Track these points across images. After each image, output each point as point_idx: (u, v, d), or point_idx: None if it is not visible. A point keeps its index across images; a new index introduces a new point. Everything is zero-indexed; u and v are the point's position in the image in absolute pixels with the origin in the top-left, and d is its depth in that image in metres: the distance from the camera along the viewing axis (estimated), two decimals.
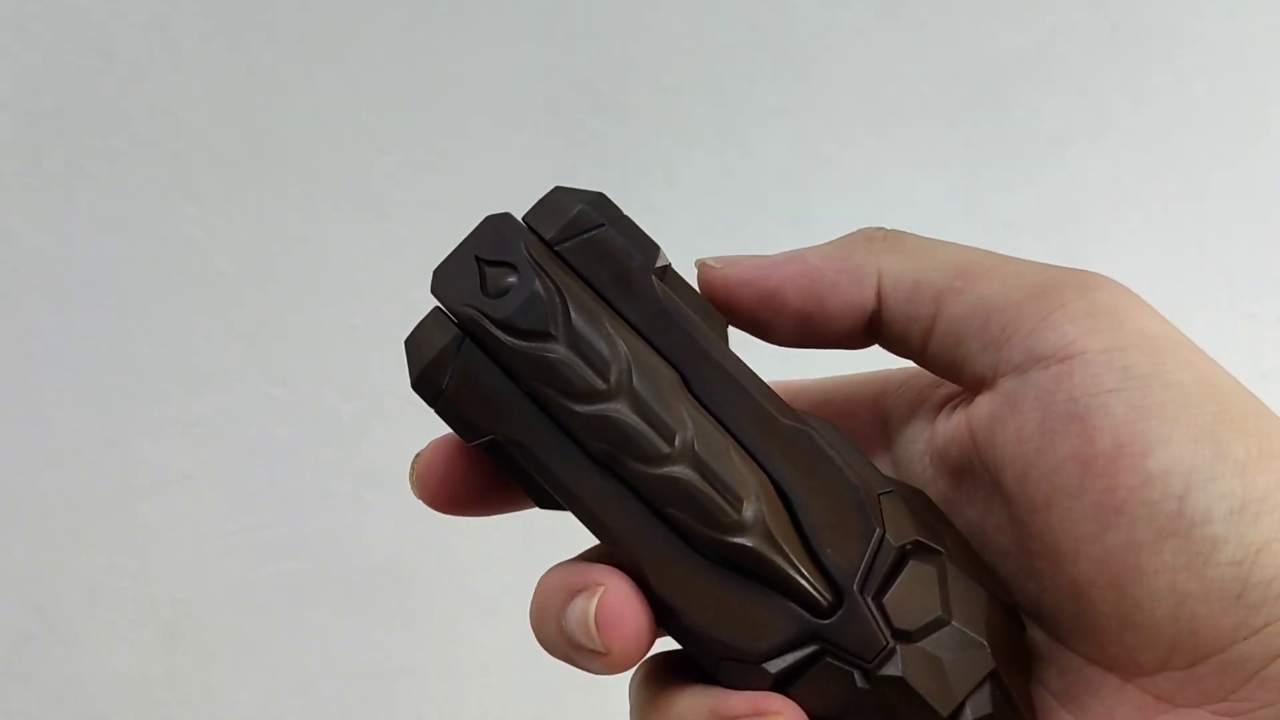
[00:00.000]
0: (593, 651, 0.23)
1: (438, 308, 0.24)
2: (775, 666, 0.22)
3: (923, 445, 0.26)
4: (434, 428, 0.25)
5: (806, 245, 0.26)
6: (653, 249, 0.24)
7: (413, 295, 0.62)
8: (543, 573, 0.25)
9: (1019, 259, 0.24)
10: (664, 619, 0.23)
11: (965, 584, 0.23)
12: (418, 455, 0.26)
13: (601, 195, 0.24)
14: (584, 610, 0.23)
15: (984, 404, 0.24)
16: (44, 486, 0.62)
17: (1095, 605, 0.22)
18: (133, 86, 0.62)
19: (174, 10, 0.62)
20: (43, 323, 0.62)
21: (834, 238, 0.26)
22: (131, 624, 0.62)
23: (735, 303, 0.25)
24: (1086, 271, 0.23)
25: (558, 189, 0.25)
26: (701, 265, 0.26)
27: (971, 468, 0.24)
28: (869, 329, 0.25)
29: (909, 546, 0.23)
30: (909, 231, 0.25)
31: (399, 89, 0.63)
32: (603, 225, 0.24)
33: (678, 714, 0.23)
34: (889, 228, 0.25)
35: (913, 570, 0.23)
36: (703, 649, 0.23)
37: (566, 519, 0.24)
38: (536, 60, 0.64)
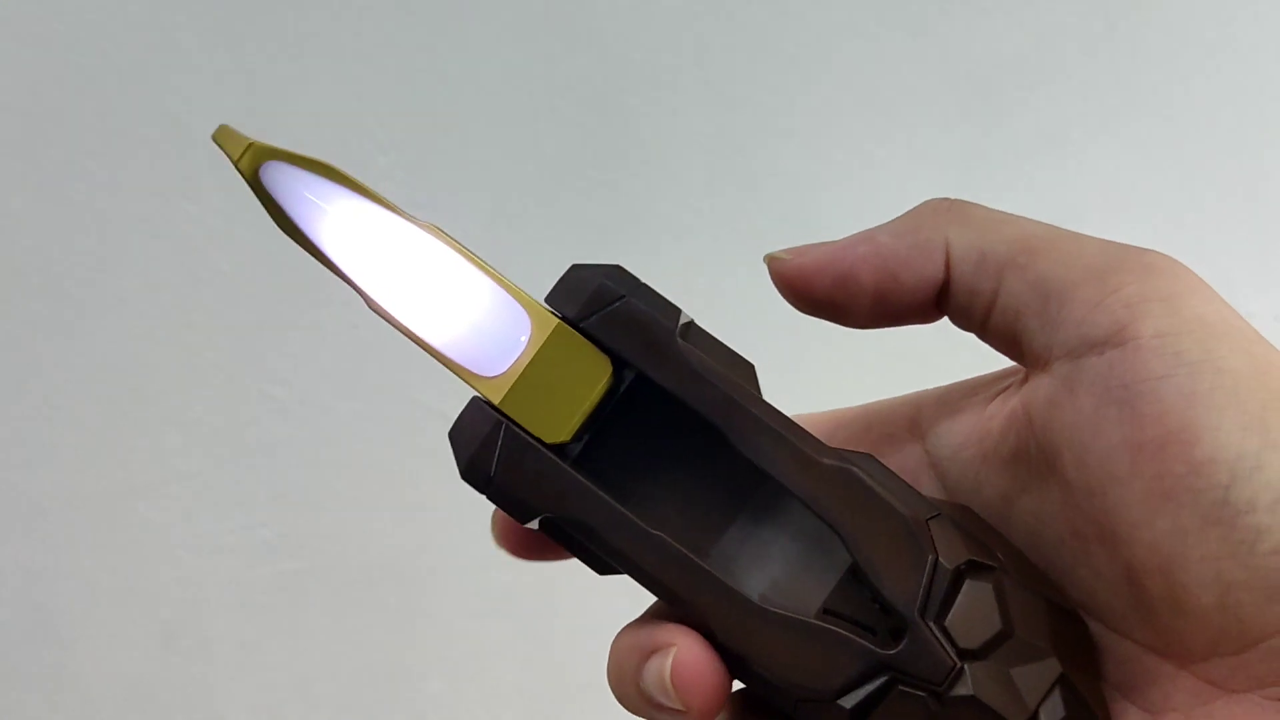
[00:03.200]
0: (673, 710, 0.23)
1: (475, 397, 0.25)
2: (850, 701, 0.23)
3: (972, 450, 0.26)
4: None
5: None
6: (673, 311, 0.24)
7: None
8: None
9: (1085, 236, 0.24)
10: (735, 669, 0.24)
11: (1023, 594, 0.23)
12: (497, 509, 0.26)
13: (618, 267, 0.25)
14: (659, 671, 0.23)
15: (1042, 387, 0.24)
16: (43, 486, 0.62)
17: (1147, 591, 0.22)
18: (133, 86, 0.62)
19: (173, 10, 0.62)
20: (42, 323, 0.62)
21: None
22: (130, 623, 0.62)
23: (811, 290, 0.25)
24: (1149, 252, 0.23)
25: (574, 267, 0.25)
26: (771, 259, 0.26)
27: (1028, 453, 0.24)
28: (939, 301, 0.25)
29: (963, 567, 0.23)
30: (974, 202, 0.25)
31: (397, 87, 0.63)
32: (624, 297, 0.24)
33: None
34: (953, 198, 0.25)
35: (970, 589, 0.23)
36: (777, 693, 0.23)
37: None
38: (536, 59, 0.64)
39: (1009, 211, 0.25)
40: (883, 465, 0.24)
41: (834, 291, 0.25)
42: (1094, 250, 0.23)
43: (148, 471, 0.62)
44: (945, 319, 0.26)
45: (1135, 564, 0.22)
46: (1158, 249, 0.23)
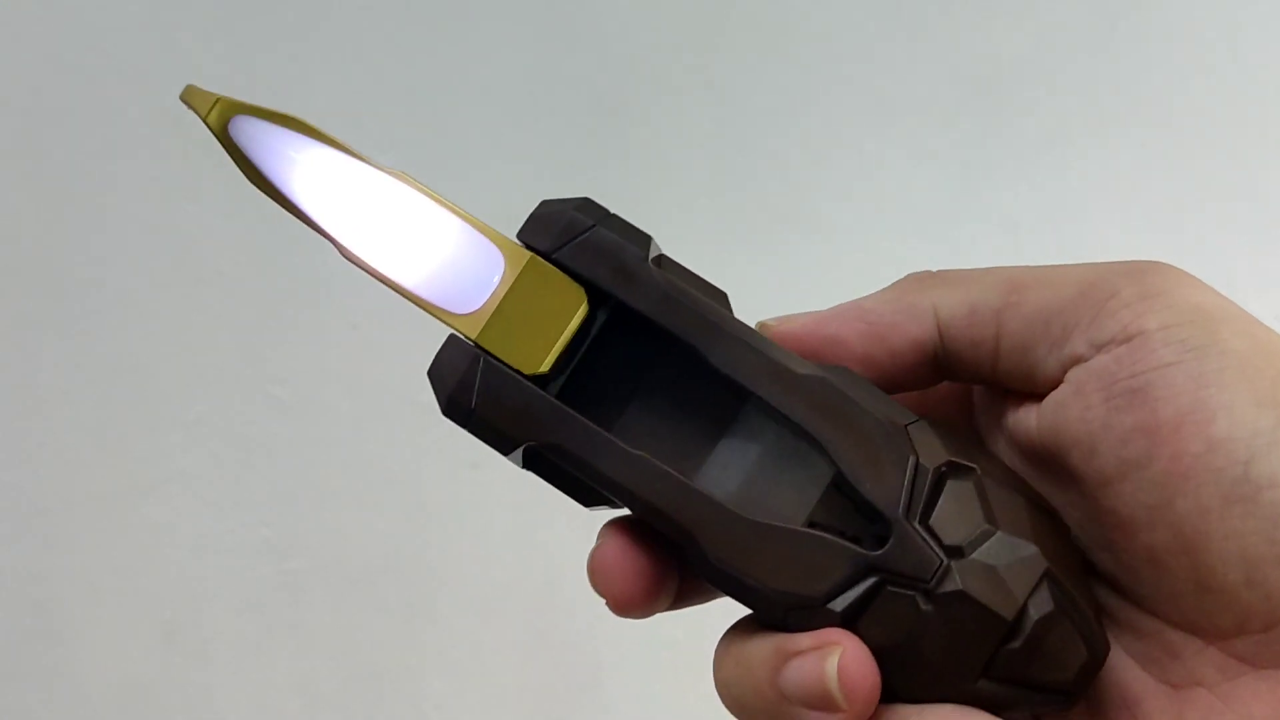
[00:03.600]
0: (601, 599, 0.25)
1: (452, 335, 0.25)
2: (839, 605, 0.23)
3: (990, 417, 0.26)
4: (432, 425, 0.25)
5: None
6: (644, 239, 0.25)
7: None
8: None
9: (1064, 265, 0.25)
10: (725, 584, 0.24)
11: (1005, 494, 0.24)
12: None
13: (587, 199, 0.25)
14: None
15: (1051, 397, 0.24)
16: (44, 486, 0.62)
17: (1171, 571, 0.22)
18: (133, 86, 0.62)
19: (173, 10, 0.62)
20: (43, 323, 0.62)
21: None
22: (131, 623, 0.62)
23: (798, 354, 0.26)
24: (1134, 261, 0.24)
25: (545, 201, 0.25)
26: (761, 326, 0.26)
27: (1034, 453, 0.25)
28: (935, 365, 0.26)
29: (944, 468, 0.24)
30: (950, 268, 0.26)
31: (398, 88, 0.63)
32: (593, 226, 0.25)
33: (746, 656, 0.24)
34: (931, 269, 0.26)
35: (952, 489, 0.23)
36: (768, 604, 0.24)
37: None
38: (536, 59, 0.64)
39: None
40: (858, 376, 0.25)
41: (821, 355, 0.26)
42: (1080, 271, 0.24)
43: (148, 471, 0.62)
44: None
45: (1158, 546, 0.22)
46: (1159, 249, 0.24)
